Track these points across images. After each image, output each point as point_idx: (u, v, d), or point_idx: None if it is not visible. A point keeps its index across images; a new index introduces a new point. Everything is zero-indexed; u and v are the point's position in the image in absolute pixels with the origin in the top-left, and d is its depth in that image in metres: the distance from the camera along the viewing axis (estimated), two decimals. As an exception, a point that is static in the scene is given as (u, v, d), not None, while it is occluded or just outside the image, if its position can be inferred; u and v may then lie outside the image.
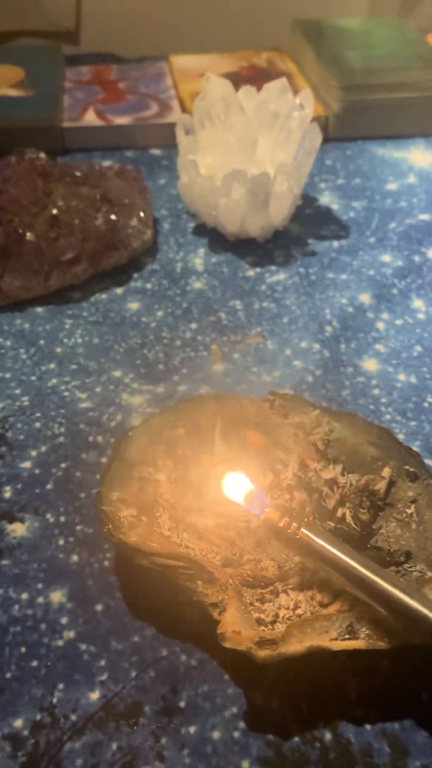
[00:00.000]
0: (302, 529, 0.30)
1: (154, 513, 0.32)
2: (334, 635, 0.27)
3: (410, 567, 0.31)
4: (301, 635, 0.27)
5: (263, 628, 0.28)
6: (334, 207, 0.58)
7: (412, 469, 0.34)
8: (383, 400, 0.41)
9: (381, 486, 0.33)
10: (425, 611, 0.27)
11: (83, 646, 0.30)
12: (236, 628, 0.27)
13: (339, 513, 0.33)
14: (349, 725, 0.28)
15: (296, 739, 0.28)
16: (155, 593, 0.32)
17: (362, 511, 0.33)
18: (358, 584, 0.28)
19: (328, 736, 0.28)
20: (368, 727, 0.28)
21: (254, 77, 0.72)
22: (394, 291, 0.49)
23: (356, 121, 0.67)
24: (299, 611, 0.29)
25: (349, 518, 0.32)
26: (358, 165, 0.64)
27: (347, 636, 0.27)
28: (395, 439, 0.35)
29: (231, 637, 0.27)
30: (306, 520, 0.31)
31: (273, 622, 0.29)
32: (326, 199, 0.59)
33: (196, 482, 0.34)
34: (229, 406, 0.37)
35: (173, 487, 0.34)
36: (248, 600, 0.29)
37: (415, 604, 0.27)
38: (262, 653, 0.26)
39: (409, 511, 0.33)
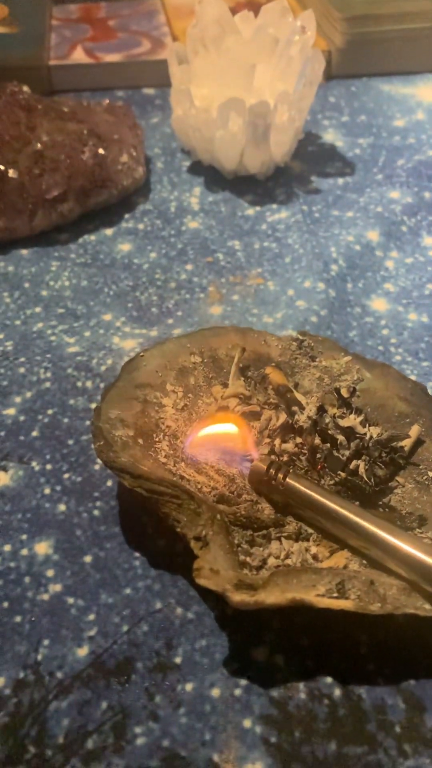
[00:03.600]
0: (288, 479, 0.28)
1: (152, 437, 0.30)
2: (321, 591, 0.24)
3: (422, 533, 0.28)
4: (285, 585, 0.24)
5: (247, 572, 0.26)
6: (339, 144, 0.54)
7: None
8: (393, 340, 0.38)
9: (406, 443, 0.31)
10: (414, 551, 0.25)
11: (71, 600, 0.28)
12: (216, 566, 0.25)
13: (352, 465, 0.30)
14: (360, 681, 0.26)
15: (302, 696, 0.25)
16: (151, 531, 0.29)
17: (379, 466, 0.30)
18: (346, 527, 0.27)
19: (337, 692, 0.25)
20: (381, 682, 0.26)
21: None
22: (404, 228, 0.46)
23: (361, 56, 0.63)
24: (289, 561, 0.27)
25: (362, 471, 0.30)
26: (364, 102, 0.60)
27: (335, 594, 0.24)
28: (430, 397, 0.32)
29: (207, 575, 0.24)
30: (290, 469, 0.29)
31: (259, 568, 0.26)
32: (330, 136, 0.55)
33: (204, 413, 0.32)
34: (252, 340, 0.35)
35: (178, 415, 0.31)
36: (236, 540, 0.27)
37: (406, 545, 0.26)
38: (238, 597, 0.24)
39: (431, 474, 0.30)
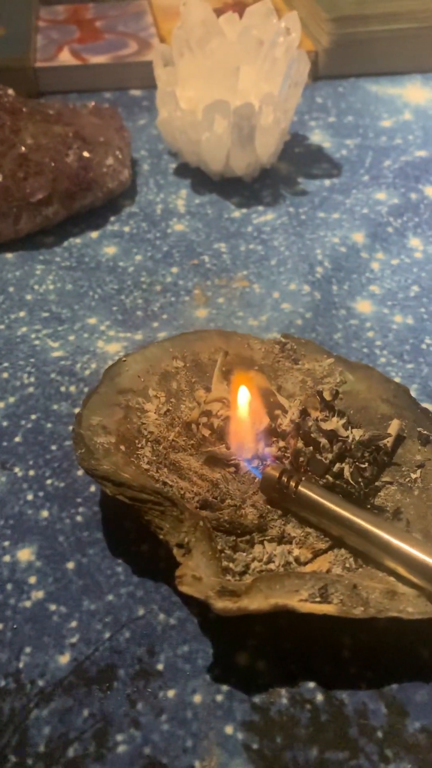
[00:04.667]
0: (300, 487, 0.28)
1: (135, 444, 0.30)
2: (305, 596, 0.24)
3: None
4: (267, 591, 0.24)
5: (230, 578, 0.26)
6: (326, 145, 0.54)
7: (425, 432, 0.31)
8: (378, 342, 0.38)
9: (388, 441, 0.31)
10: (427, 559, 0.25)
11: (53, 607, 0.28)
12: (198, 573, 0.25)
13: (336, 468, 0.30)
14: (343, 685, 0.26)
15: (284, 701, 0.25)
16: (134, 536, 0.29)
17: (362, 467, 0.30)
18: (361, 536, 0.27)
19: (319, 697, 0.25)
20: (363, 686, 0.26)
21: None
22: (390, 230, 0.46)
23: (348, 56, 0.63)
24: (272, 566, 0.27)
25: (347, 474, 0.30)
26: (351, 102, 0.60)
27: (318, 599, 0.24)
28: (413, 399, 0.32)
29: (190, 582, 0.24)
30: (303, 477, 0.29)
31: (242, 573, 0.26)
32: (317, 137, 0.55)
33: (187, 418, 0.32)
34: (236, 343, 0.35)
35: (161, 420, 0.31)
36: (220, 546, 0.27)
37: (423, 555, 0.26)
38: (221, 604, 0.24)
39: (413, 476, 0.30)
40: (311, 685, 0.26)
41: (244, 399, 0.31)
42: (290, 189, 0.50)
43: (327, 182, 0.50)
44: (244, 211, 0.48)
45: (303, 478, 0.29)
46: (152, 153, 0.53)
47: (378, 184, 0.50)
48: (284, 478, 0.28)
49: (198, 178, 0.50)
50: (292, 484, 0.28)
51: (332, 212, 0.47)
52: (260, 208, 0.48)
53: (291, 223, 0.47)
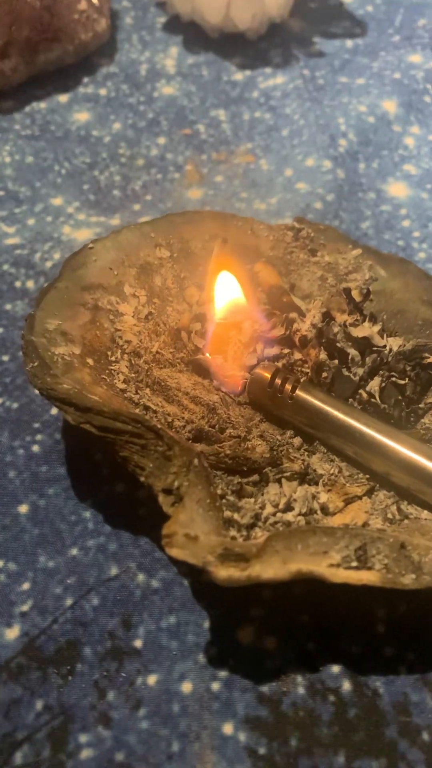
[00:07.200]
0: (298, 392, 0.22)
1: (107, 356, 0.23)
2: (336, 560, 0.18)
3: None
4: (286, 552, 0.18)
5: (234, 533, 0.19)
6: (346, 0, 0.45)
7: None
8: (416, 234, 0.31)
9: None
10: None
11: (-1, 564, 0.21)
12: (193, 530, 0.18)
13: (369, 386, 0.23)
14: (377, 670, 0.20)
15: (301, 691, 0.19)
16: (107, 473, 0.23)
17: (402, 383, 0.23)
18: (376, 453, 0.22)
19: (346, 685, 0.20)
20: (403, 672, 0.20)
21: None
22: (427, 99, 0.37)
23: None
24: (290, 515, 0.20)
25: (376, 389, 0.23)
26: None
27: (355, 564, 0.18)
28: None
29: (182, 543, 0.18)
30: (302, 379, 0.23)
31: (250, 527, 0.20)
32: (336, -10, 0.46)
33: (175, 324, 0.25)
34: (236, 229, 0.28)
35: (141, 327, 0.24)
36: (220, 491, 0.20)
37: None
38: (225, 572, 0.17)
39: None
40: (335, 669, 0.20)
41: (229, 289, 0.25)
42: (304, 49, 0.41)
43: (349, 42, 0.41)
44: (248, 73, 0.39)
45: (302, 380, 0.23)
46: (136, 4, 0.44)
47: (412, 45, 0.41)
48: (278, 380, 0.23)
49: (192, 33, 0.41)
50: (288, 387, 0.22)
51: (356, 77, 0.39)
52: (268, 70, 0.39)
53: (306, 87, 0.38)
